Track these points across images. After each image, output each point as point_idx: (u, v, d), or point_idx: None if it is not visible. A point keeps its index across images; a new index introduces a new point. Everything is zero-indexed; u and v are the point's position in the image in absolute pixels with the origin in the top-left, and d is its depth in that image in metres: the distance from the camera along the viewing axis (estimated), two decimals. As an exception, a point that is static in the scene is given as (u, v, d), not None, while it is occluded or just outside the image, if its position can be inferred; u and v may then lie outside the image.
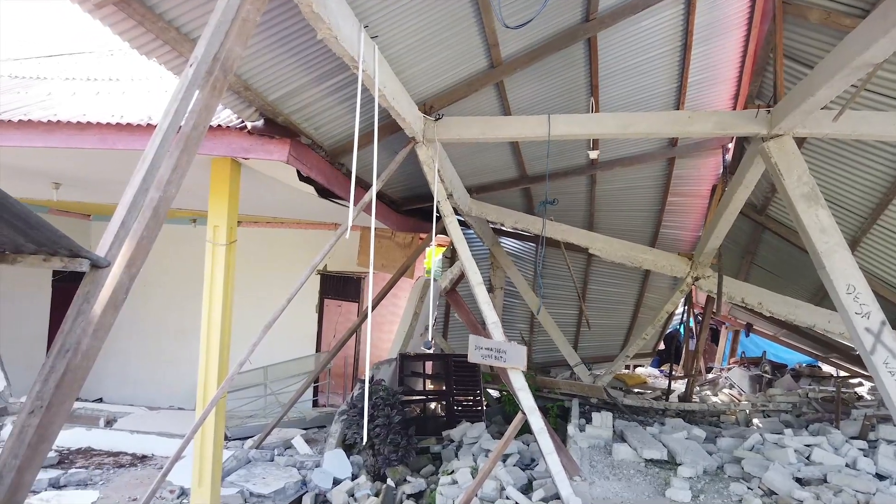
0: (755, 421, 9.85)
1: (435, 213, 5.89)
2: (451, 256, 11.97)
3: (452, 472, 8.26)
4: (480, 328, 6.89)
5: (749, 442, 7.97)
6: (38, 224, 2.88)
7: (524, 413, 5.80)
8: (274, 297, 5.88)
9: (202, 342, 6.00)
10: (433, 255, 17.95)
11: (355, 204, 6.85)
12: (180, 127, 3.51)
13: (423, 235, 10.45)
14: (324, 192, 6.40)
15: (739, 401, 10.94)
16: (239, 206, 6.27)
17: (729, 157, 8.83)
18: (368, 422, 8.30)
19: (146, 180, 3.42)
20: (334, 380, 12.80)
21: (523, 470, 8.11)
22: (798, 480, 6.76)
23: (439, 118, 6.06)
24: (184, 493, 7.26)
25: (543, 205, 6.06)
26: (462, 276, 6.48)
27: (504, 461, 8.45)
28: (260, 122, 5.24)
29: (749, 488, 6.74)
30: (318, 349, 12.44)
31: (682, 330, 17.25)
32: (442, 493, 7.36)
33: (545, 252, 12.13)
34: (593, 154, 6.25)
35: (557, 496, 7.24)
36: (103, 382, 12.97)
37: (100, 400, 12.57)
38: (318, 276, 12.48)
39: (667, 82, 7.34)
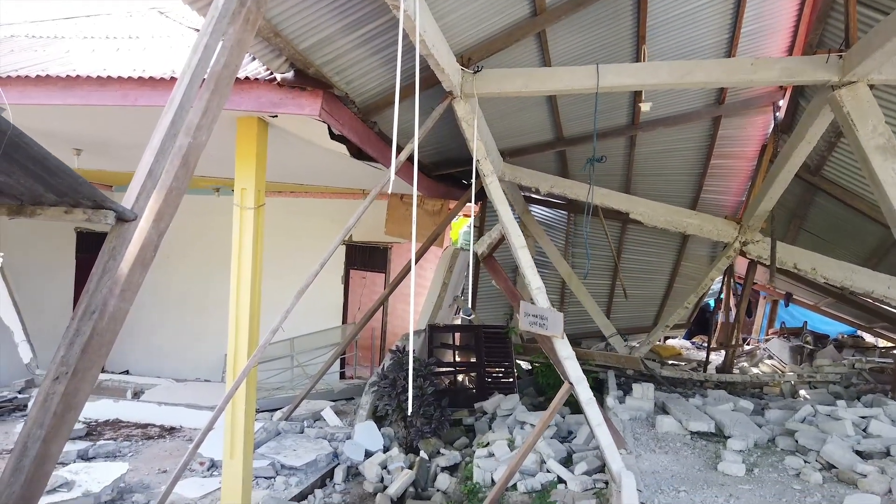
0: (802, 392, 9.46)
1: (475, 173, 5.52)
2: (479, 226, 11.59)
3: (488, 444, 8.01)
4: (519, 295, 6.55)
5: (800, 414, 7.60)
6: (58, 169, 2.57)
7: (570, 383, 5.48)
8: (300, 269, 5.59)
9: (231, 310, 5.73)
10: (462, 226, 17.59)
11: (388, 164, 6.52)
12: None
13: (453, 203, 10.08)
14: (356, 153, 6.05)
15: (783, 372, 10.53)
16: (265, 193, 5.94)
17: (780, 114, 8.31)
18: (401, 393, 8.06)
19: (174, 124, 3.09)
20: (361, 352, 12.59)
21: (561, 443, 7.84)
22: (858, 454, 6.39)
23: (478, 70, 5.65)
24: (214, 465, 7.10)
25: (591, 162, 5.66)
26: (501, 241, 6.12)
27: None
28: (290, 74, 4.88)
29: (806, 462, 6.39)
30: (344, 321, 12.21)
31: (711, 302, 16.80)
32: (479, 465, 7.12)
33: (577, 220, 11.72)
34: (645, 106, 5.81)
35: (601, 469, 6.96)
36: (129, 355, 12.89)
37: (126, 372, 12.50)
38: (344, 247, 12.20)
39: (718, 32, 6.84)
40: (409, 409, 4.10)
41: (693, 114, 8.20)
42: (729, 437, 7.08)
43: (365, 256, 12.23)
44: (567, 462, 7.15)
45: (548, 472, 6.80)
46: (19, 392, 9.46)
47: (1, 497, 2.88)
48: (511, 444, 7.59)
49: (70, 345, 3.01)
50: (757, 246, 8.09)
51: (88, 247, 12.09)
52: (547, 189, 8.49)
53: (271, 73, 4.91)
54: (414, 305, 12.87)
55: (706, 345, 16.63)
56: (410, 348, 4.21)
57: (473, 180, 5.60)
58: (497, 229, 6.06)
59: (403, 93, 6.03)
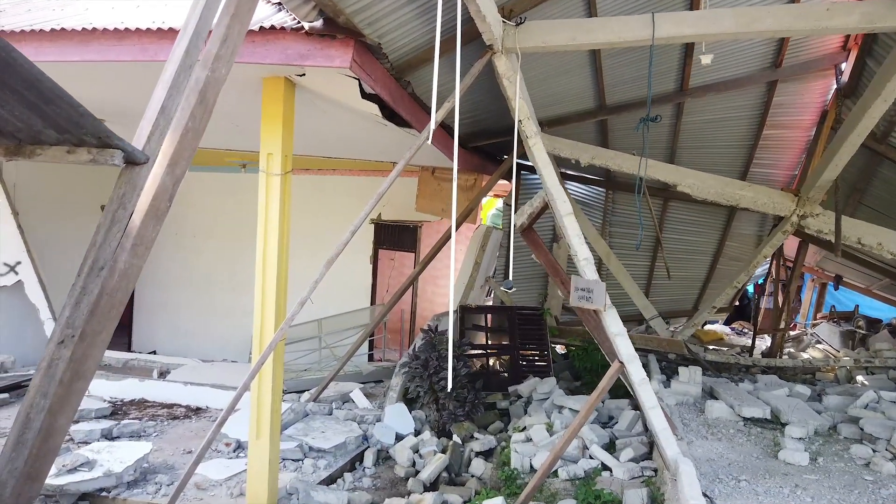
0: (859, 378, 8.86)
1: (516, 137, 5.07)
2: (511, 203, 11.13)
3: (524, 428, 7.61)
4: (562, 270, 6.11)
5: (862, 400, 7.06)
6: (55, 95, 2.20)
7: (621, 362, 5.04)
8: (328, 248, 5.23)
9: (257, 281, 5.40)
10: (491, 207, 17.14)
11: (421, 129, 6.10)
12: None
13: (486, 178, 9.65)
14: (389, 115, 5.65)
15: (837, 357, 9.93)
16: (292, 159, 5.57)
17: (844, 78, 7.68)
18: (433, 374, 7.70)
19: (189, 54, 2.72)
20: (390, 334, 12.26)
21: (602, 428, 7.42)
22: (932, 443, 5.86)
23: (521, 22, 5.19)
24: (240, 446, 6.83)
25: (644, 122, 5.18)
26: (543, 210, 5.68)
27: (580, 418, 7.75)
28: (318, 23, 4.49)
29: (875, 451, 5.87)
30: (372, 302, 11.89)
31: (749, 288, 16.14)
32: (517, 450, 6.72)
33: (615, 198, 11.19)
34: (706, 59, 5.29)
35: (647, 456, 6.52)
36: (156, 335, 12.76)
37: (153, 352, 12.35)
38: (373, 226, 11.86)
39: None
40: (450, 386, 3.72)
41: (747, 78, 7.63)
42: (786, 424, 6.58)
43: (394, 235, 11.87)
44: (609, 448, 6.73)
45: (590, 458, 6.38)
46: (46, 370, 9.31)
47: (2, 474, 2.56)
48: (550, 429, 7.18)
49: (76, 304, 2.66)
50: (817, 220, 7.51)
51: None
52: (588, 161, 7.99)
53: (298, 23, 4.53)
54: (441, 288, 12.53)
55: (746, 330, 16.04)
56: (451, 326, 3.82)
57: (514, 144, 5.17)
58: (539, 197, 5.62)
59: (433, 52, 5.60)
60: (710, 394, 7.83)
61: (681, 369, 7.90)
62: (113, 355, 9.82)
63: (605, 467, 6.13)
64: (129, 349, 12.47)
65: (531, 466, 6.50)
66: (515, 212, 10.61)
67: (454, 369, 7.69)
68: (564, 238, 10.92)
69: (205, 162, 11.80)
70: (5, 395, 8.12)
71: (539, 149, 5.28)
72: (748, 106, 8.34)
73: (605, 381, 4.95)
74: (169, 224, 12.75)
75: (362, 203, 5.32)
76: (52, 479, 5.33)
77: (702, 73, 7.48)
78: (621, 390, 8.92)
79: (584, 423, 5.13)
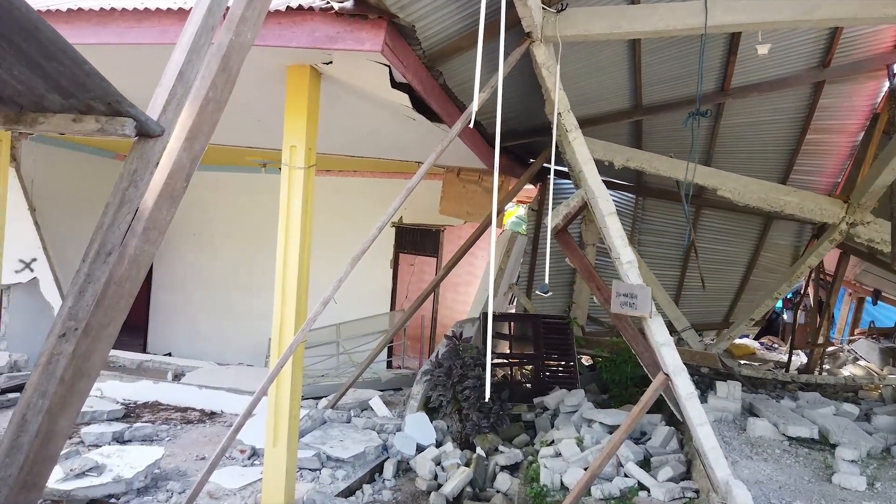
0: (908, 397, 8.37)
1: (555, 129, 4.75)
2: (538, 209, 10.79)
3: (552, 442, 7.24)
4: (597, 275, 5.76)
5: (916, 422, 6.61)
6: (56, 48, 1.90)
7: (666, 374, 4.67)
8: (347, 252, 4.96)
9: (277, 280, 5.11)
10: (512, 214, 16.82)
11: (452, 124, 5.79)
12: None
13: (513, 180, 9.32)
14: (418, 106, 5.35)
15: (881, 375, 9.43)
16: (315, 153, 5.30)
17: (897, 79, 7.27)
18: (457, 383, 7.35)
19: (211, 14, 2.43)
20: (409, 341, 11.93)
21: (636, 444, 7.03)
22: None
23: (563, 9, 4.88)
24: (255, 453, 6.52)
25: (694, 116, 4.83)
26: (581, 211, 5.34)
27: (611, 433, 7.36)
28: (349, 2, 4.21)
29: (937, 477, 5.43)
30: (392, 307, 11.58)
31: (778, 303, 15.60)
32: (546, 465, 6.35)
33: (645, 204, 10.80)
34: (763, 48, 4.94)
35: (686, 476, 6.12)
36: (172, 337, 12.55)
37: (168, 354, 12.13)
38: (394, 230, 11.57)
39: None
40: (487, 396, 3.39)
41: (792, 78, 7.24)
42: (836, 445, 6.14)
43: (415, 240, 11.56)
44: (644, 466, 6.35)
45: (626, 476, 6.00)
46: (59, 370, 9.10)
47: (-6, 481, 2.26)
48: (580, 444, 6.81)
49: (80, 294, 2.34)
50: (868, 228, 7.08)
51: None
52: (622, 163, 7.63)
53: (328, 2, 4.25)
54: (461, 295, 12.18)
55: (776, 345, 15.49)
56: (489, 331, 3.49)
57: (553, 138, 4.83)
58: (577, 196, 5.27)
59: (471, 38, 5.30)
60: (750, 411, 7.40)
61: (718, 384, 7.48)
62: (127, 356, 9.60)
63: (641, 486, 5.75)
64: (144, 350, 12.27)
65: (561, 483, 6.12)
66: (546, 214, 10.30)
67: (478, 378, 7.34)
68: (590, 245, 10.62)
69: (224, 161, 11.63)
70: (17, 395, 7.90)
71: (580, 143, 4.95)
72: (791, 108, 7.95)
73: (649, 395, 4.58)
74: (187, 225, 12.61)
75: (384, 206, 5.03)
76: (60, 484, 5.06)
77: (745, 72, 7.11)
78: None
79: (623, 439, 4.76)
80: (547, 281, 4.88)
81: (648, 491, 5.63)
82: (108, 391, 8.49)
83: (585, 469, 6.29)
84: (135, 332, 12.78)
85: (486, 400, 3.74)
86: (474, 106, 3.03)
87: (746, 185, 7.32)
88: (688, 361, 8.74)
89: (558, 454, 6.72)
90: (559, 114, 4.95)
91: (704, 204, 10.03)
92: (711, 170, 7.67)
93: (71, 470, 5.15)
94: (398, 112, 5.96)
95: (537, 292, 6.73)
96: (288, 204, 5.18)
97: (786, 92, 7.53)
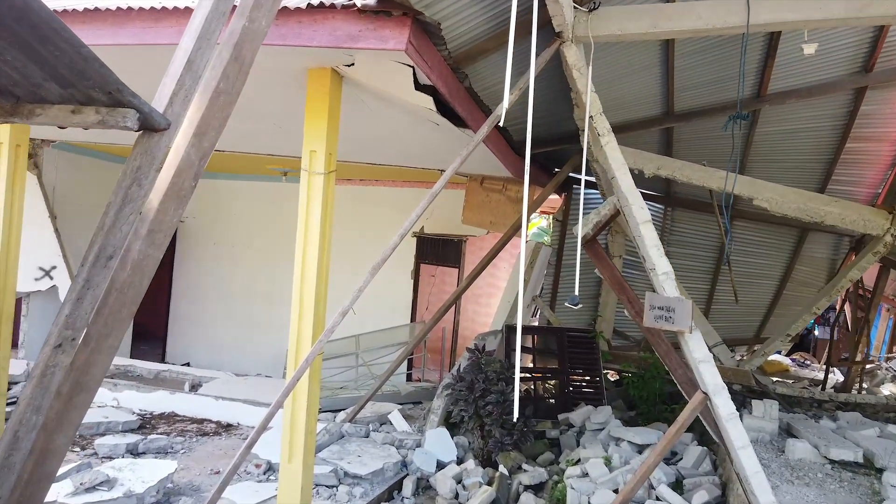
0: (956, 420, 7.92)
1: (586, 132, 4.51)
2: (562, 220, 10.53)
3: (578, 461, 6.94)
4: (627, 287, 5.49)
5: (970, 446, 6.19)
6: (50, 29, 1.73)
7: (705, 393, 4.38)
8: (367, 263, 4.76)
9: (295, 289, 4.93)
10: (533, 227, 16.56)
11: (477, 129, 5.59)
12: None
13: (539, 189, 9.08)
14: (443, 110, 5.15)
15: (926, 395, 8.97)
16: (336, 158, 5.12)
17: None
18: (479, 397, 7.09)
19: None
20: (430, 354, 11.69)
21: (666, 464, 6.71)
22: None
23: (595, 8, 4.66)
24: (271, 468, 6.33)
25: (735, 119, 4.57)
26: (611, 219, 5.08)
27: (641, 452, 7.04)
28: (372, 0, 4.03)
29: None
30: (412, 319, 11.36)
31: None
32: (573, 486, 6.06)
33: (674, 216, 10.48)
34: (809, 48, 4.65)
35: (721, 500, 5.80)
36: (191, 347, 12.45)
37: (187, 364, 12.03)
38: (415, 239, 11.37)
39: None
40: (515, 415, 3.14)
41: (833, 84, 6.92)
42: (883, 470, 5.77)
43: (437, 250, 11.35)
44: (675, 488, 6.03)
45: (658, 500, 5.69)
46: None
47: (-18, 503, 2.08)
48: (608, 463, 6.50)
49: (78, 300, 2.14)
50: (915, 240, 6.73)
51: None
52: (652, 171, 7.35)
53: (350, 0, 4.08)
54: (483, 307, 11.91)
55: (808, 362, 14.97)
56: (518, 344, 3.25)
57: (585, 142, 4.59)
58: (609, 204, 5.02)
59: (498, 40, 5.11)
60: (788, 431, 7.03)
61: (755, 403, 7.12)
62: (145, 366, 9.49)
63: (675, 511, 5.44)
64: (163, 360, 12.18)
65: (589, 505, 5.83)
66: (572, 224, 10.02)
67: (501, 393, 7.07)
68: (617, 257, 10.31)
69: (245, 170, 11.55)
70: (32, 404, 7.80)
71: (613, 147, 4.71)
72: (831, 115, 7.61)
73: (686, 415, 4.29)
74: (207, 234, 12.54)
75: (405, 215, 4.82)
76: (69, 499, 4.90)
77: (783, 76, 6.81)
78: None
79: (658, 461, 4.47)
80: (577, 293, 4.62)
81: (683, 516, 5.32)
82: (125, 401, 8.37)
83: (615, 491, 6.00)
84: (154, 341, 12.72)
85: (514, 418, 3.48)
86: (504, 104, 2.82)
87: (784, 195, 7.00)
88: (729, 380, 8.41)
89: (585, 474, 6.42)
90: (591, 117, 4.72)
91: (737, 215, 9.69)
92: (747, 179, 7.36)
93: (81, 484, 4.99)
94: (421, 117, 5.77)
95: (566, 304, 6.45)
96: (307, 210, 5.00)
97: (825, 98, 7.21)
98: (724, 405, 4.30)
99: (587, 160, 7.53)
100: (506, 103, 2.77)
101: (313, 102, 4.97)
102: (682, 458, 7.04)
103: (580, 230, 4.90)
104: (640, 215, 4.57)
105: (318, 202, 4.97)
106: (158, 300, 12.49)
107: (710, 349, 9.41)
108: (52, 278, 9.11)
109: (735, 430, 4.27)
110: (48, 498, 4.97)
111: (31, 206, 9.13)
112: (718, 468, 6.73)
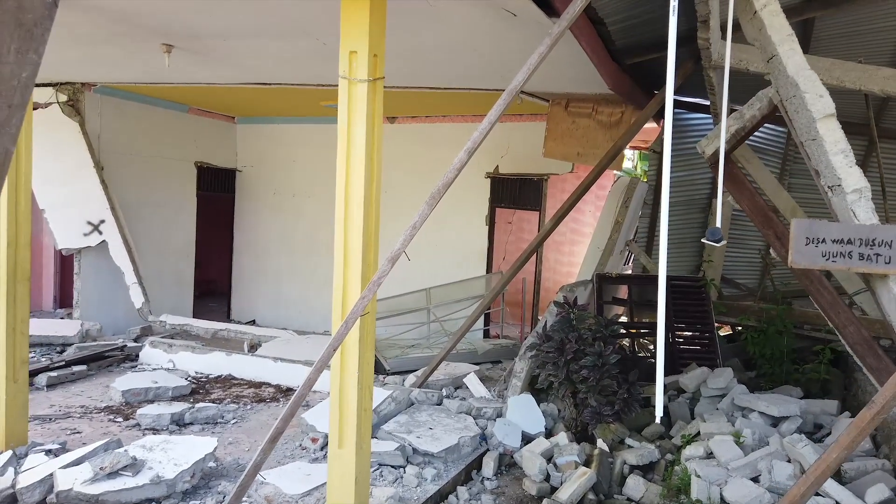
0: None
1: (731, 24, 3.09)
2: (659, 150, 8.97)
3: (697, 436, 5.68)
4: (775, 219, 4.09)
5: None
6: None
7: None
8: (433, 214, 3.56)
9: (337, 229, 3.92)
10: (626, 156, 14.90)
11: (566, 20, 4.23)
12: None
13: (635, 112, 7.59)
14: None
15: None
16: (385, 65, 3.91)
17: None
18: (571, 360, 5.89)
19: None
20: (508, 307, 10.54)
21: (810, 438, 5.37)
22: None
23: None
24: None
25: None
26: (760, 124, 3.67)
27: (776, 426, 5.70)
28: None
29: None
30: (488, 269, 10.21)
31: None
32: (698, 472, 4.83)
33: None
34: None
35: (901, 496, 4.43)
36: (256, 304, 11.84)
37: (252, 322, 11.45)
38: (489, 181, 10.12)
39: None
40: (658, 414, 1.93)
41: None
42: None
43: (513, 192, 10.06)
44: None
45: (817, 495, 4.38)
46: (135, 340, 8.49)
47: None
48: (739, 441, 5.20)
49: None
50: None
51: (209, 184, 11.00)
52: (788, 74, 5.73)
53: None
54: (566, 256, 10.49)
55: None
56: (662, 300, 2.04)
57: (729, 27, 3.16)
58: (763, 98, 3.59)
59: None
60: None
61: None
62: (202, 325, 8.84)
63: (843, 511, 4.13)
64: (228, 318, 11.65)
65: (721, 499, 4.59)
66: (672, 149, 8.47)
67: (598, 355, 5.84)
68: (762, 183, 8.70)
69: (300, 111, 10.58)
70: (82, 367, 7.25)
71: (774, 12, 3.26)
72: None
73: (890, 394, 2.94)
74: (266, 183, 11.72)
75: (477, 157, 3.60)
76: (86, 487, 4.12)
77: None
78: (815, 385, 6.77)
79: (843, 459, 3.16)
80: (719, 224, 3.30)
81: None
82: (180, 363, 7.74)
83: (754, 480, 4.72)
84: (220, 298, 12.21)
85: (658, 416, 2.28)
86: None
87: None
88: (876, 334, 6.83)
89: (709, 454, 5.18)
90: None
91: (884, 135, 7.85)
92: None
93: (101, 469, 4.20)
94: (493, 8, 4.47)
95: (703, 241, 5.13)
96: (349, 131, 3.88)
97: None
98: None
99: (703, 69, 6.02)
100: None
101: (352, -10, 3.76)
102: (829, 433, 5.67)
103: (721, 139, 3.50)
104: (819, 106, 3.13)
105: (362, 119, 3.83)
106: (221, 255, 11.90)
107: (850, 297, 7.82)
108: (101, 233, 8.50)
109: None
110: (64, 486, 4.23)
111: (75, 157, 8.53)
112: (882, 447, 5.32)
